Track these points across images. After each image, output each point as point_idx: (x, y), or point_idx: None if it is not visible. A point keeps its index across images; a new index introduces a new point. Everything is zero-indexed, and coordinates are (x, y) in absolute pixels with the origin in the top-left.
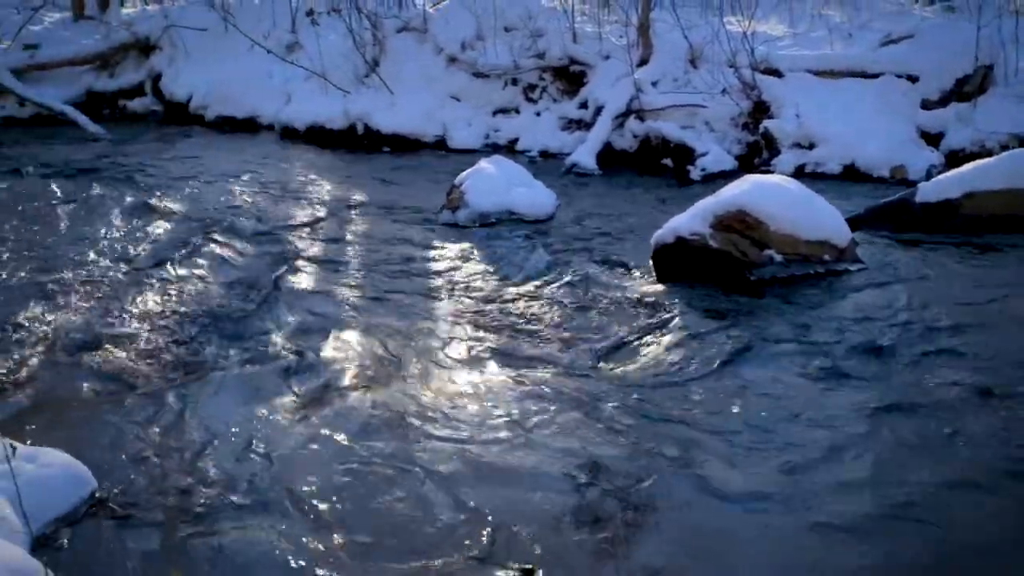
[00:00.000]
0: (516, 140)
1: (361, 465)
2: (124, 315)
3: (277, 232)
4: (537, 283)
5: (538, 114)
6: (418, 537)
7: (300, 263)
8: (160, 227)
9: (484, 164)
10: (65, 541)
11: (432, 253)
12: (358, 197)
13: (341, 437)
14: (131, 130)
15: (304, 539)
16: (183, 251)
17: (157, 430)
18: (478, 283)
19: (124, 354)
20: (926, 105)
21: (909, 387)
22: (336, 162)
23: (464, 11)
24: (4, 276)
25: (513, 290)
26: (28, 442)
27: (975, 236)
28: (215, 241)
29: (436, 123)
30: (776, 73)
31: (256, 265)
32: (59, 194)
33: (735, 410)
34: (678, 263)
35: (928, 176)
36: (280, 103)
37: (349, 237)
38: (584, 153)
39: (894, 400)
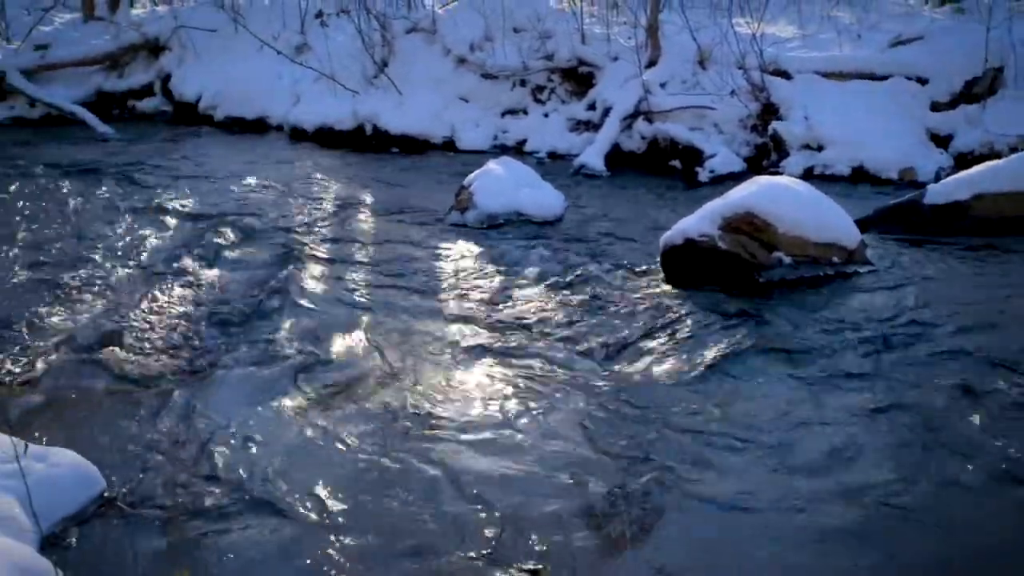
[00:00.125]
0: (524, 141)
1: (369, 465)
2: (132, 315)
3: (285, 232)
4: (546, 285)
5: (546, 115)
6: (425, 537)
7: (308, 263)
8: (169, 227)
9: (492, 165)
10: (74, 540)
11: (440, 254)
12: (366, 198)
13: (349, 437)
14: (140, 130)
15: (312, 539)
16: (192, 251)
17: (165, 430)
18: (486, 284)
19: (133, 354)
20: (935, 107)
21: (919, 389)
22: (344, 163)
23: (473, 12)
24: (13, 275)
25: (522, 291)
26: (38, 441)
27: (984, 238)
28: (224, 241)
29: (444, 124)
30: (785, 75)
31: (265, 265)
32: (68, 194)
33: (744, 412)
34: (687, 265)
35: (937, 178)
36: (289, 104)
37: (357, 238)
38: (592, 154)
39: (904, 402)
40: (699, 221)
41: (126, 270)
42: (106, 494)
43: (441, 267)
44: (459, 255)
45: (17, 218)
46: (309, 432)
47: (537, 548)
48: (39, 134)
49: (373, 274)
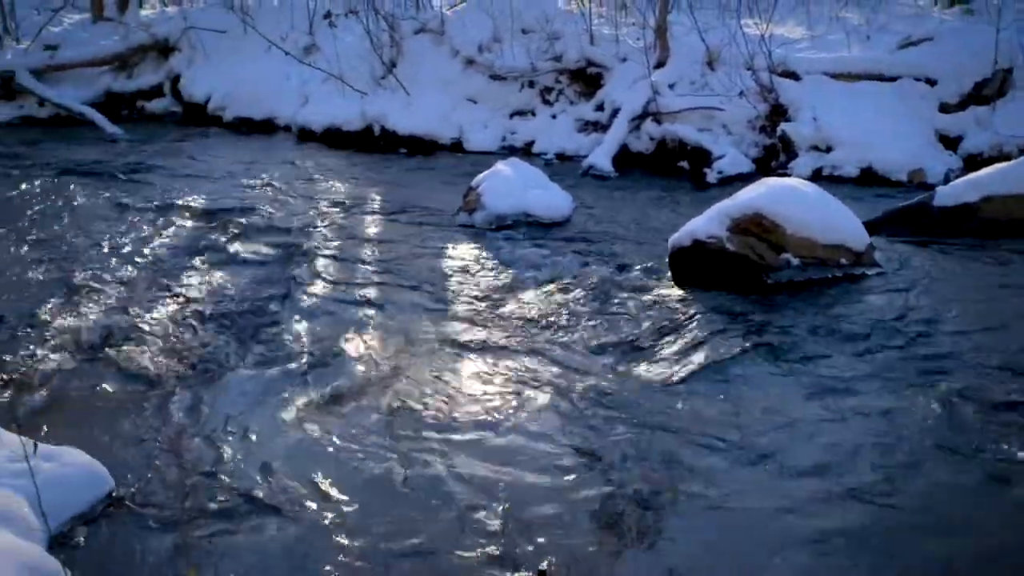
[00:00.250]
0: (532, 142)
1: (377, 465)
2: (141, 314)
3: (293, 233)
4: (553, 286)
5: (554, 116)
6: (431, 537)
7: (316, 264)
8: (178, 227)
9: (500, 166)
10: (82, 539)
11: (448, 255)
12: (374, 198)
13: (357, 437)
14: (149, 131)
15: (319, 538)
16: (200, 251)
17: (174, 429)
18: (494, 285)
19: (142, 353)
20: (944, 108)
21: (928, 393)
22: (352, 163)
23: (481, 13)
24: (22, 274)
25: (529, 292)
26: (47, 441)
27: (994, 240)
28: (232, 241)
29: (453, 125)
30: (793, 76)
31: (273, 266)
32: (77, 193)
33: (751, 414)
34: (695, 266)
35: (946, 180)
36: (297, 104)
37: (365, 238)
38: (600, 155)
39: (912, 406)
40: (707, 222)
41: (134, 270)
42: (114, 494)
43: (449, 268)
44: (467, 256)
45: (25, 217)
46: (317, 432)
47: (542, 548)
48: (48, 134)
49: (381, 274)
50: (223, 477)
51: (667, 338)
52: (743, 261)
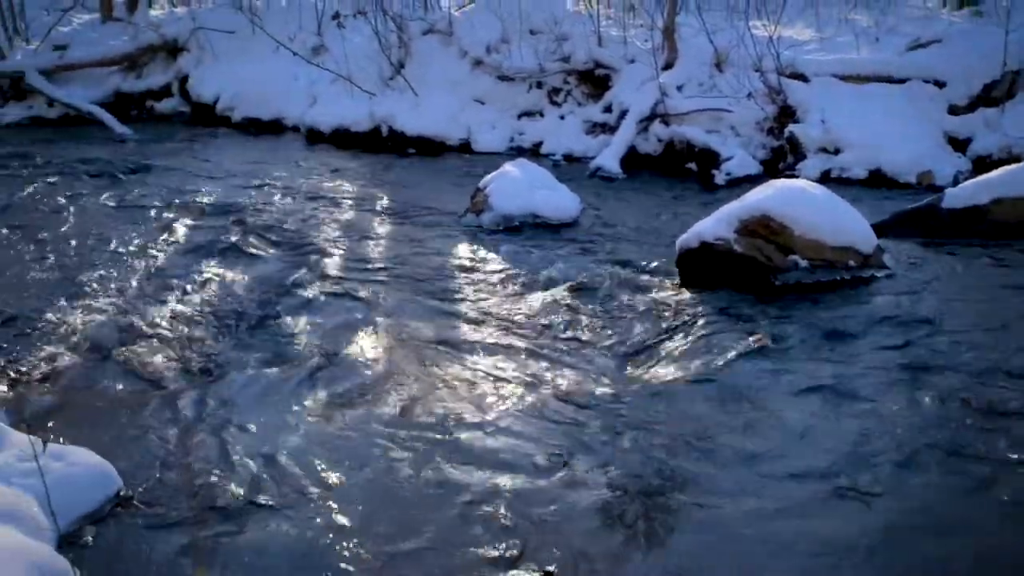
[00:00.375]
0: (540, 143)
1: (385, 466)
2: (150, 314)
3: (301, 233)
4: (561, 287)
5: (562, 117)
6: (439, 538)
7: (324, 265)
8: (185, 227)
9: (508, 167)
10: (91, 539)
11: (456, 256)
12: (382, 199)
13: (365, 438)
14: (158, 131)
15: (328, 539)
16: (208, 251)
17: (182, 429)
18: (501, 286)
19: (150, 353)
20: (953, 110)
21: (935, 396)
22: (360, 164)
23: (489, 14)
24: (31, 274)
25: (536, 293)
26: (55, 440)
27: (1003, 242)
28: (240, 242)
29: (461, 126)
30: (802, 78)
31: (280, 266)
32: (85, 193)
33: (758, 416)
34: (703, 268)
35: (955, 182)
36: (305, 105)
37: (373, 239)
38: (608, 157)
39: (920, 409)
40: (715, 224)
41: (142, 269)
42: (123, 493)
43: (456, 269)
44: (474, 257)
45: (34, 217)
46: (325, 432)
47: (548, 549)
48: (57, 134)
49: (388, 275)
50: (231, 477)
51: (674, 340)
52: (751, 263)
